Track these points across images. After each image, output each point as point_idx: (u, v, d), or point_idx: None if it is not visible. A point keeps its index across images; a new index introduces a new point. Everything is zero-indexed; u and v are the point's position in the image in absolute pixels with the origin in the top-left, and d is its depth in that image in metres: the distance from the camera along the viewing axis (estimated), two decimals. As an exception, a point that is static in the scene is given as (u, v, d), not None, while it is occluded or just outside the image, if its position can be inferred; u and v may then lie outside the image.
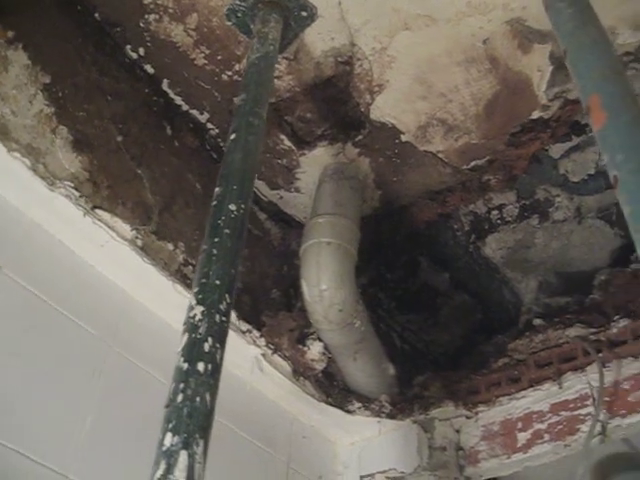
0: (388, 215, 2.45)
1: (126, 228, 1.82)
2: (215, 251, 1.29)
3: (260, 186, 2.39)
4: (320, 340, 2.16)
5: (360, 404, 2.30)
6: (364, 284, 2.68)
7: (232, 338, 1.99)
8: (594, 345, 2.16)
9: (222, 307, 1.21)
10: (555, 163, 2.55)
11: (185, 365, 1.12)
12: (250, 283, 2.22)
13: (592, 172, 2.57)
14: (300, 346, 2.15)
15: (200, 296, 1.22)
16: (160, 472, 1.01)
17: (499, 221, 2.68)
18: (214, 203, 1.37)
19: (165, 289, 1.90)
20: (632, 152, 0.95)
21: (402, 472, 2.22)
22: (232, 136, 1.52)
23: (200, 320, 1.18)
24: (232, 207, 1.35)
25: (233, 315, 2.02)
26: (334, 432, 2.36)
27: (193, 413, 1.07)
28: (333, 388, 2.31)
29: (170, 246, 1.97)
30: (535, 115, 2.08)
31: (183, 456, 1.02)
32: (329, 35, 2.01)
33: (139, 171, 1.99)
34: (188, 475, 1.01)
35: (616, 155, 0.97)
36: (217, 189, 1.40)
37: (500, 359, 2.35)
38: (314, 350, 2.16)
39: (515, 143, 2.19)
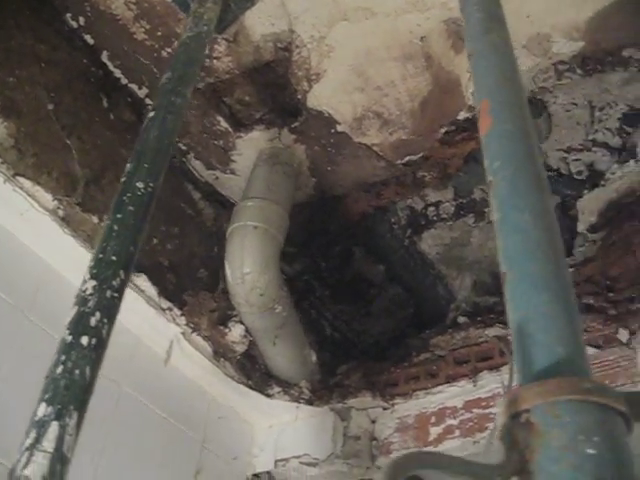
0: (323, 204, 2.47)
1: (48, 198, 1.82)
2: (116, 227, 1.30)
3: (197, 166, 2.40)
4: (242, 323, 2.18)
5: (280, 388, 2.33)
6: (298, 271, 2.71)
7: (151, 315, 2.03)
8: (511, 346, 2.21)
9: (115, 283, 1.22)
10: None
11: (69, 338, 1.14)
12: (177, 262, 2.22)
13: (529, 176, 2.60)
14: (221, 327, 2.17)
15: (94, 271, 1.24)
16: (29, 441, 1.03)
17: (435, 218, 2.72)
18: (123, 179, 1.38)
19: (86, 261, 1.90)
20: (508, 160, 0.98)
21: (316, 458, 2.26)
22: (151, 114, 1.52)
23: (91, 294, 1.19)
24: (140, 185, 1.36)
25: (153, 292, 2.04)
26: (253, 415, 2.38)
27: (70, 385, 1.09)
28: (255, 371, 2.33)
29: (95, 219, 1.97)
30: (461, 116, 2.11)
31: (54, 427, 1.04)
32: (269, 20, 2.02)
33: (68, 141, 1.98)
34: (57, 446, 1.03)
35: (494, 161, 1.00)
36: (128, 165, 1.41)
37: (422, 354, 2.39)
38: (235, 332, 2.18)
39: (448, 141, 2.22)
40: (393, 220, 2.71)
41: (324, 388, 2.39)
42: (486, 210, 2.74)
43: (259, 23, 2.03)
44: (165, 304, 2.07)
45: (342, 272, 2.79)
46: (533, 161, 0.98)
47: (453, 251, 2.87)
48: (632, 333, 2.06)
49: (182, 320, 2.10)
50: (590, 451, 0.66)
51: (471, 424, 2.15)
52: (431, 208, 2.70)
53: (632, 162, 2.43)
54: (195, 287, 2.23)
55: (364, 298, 2.91)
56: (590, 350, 2.09)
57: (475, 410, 2.17)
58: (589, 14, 1.94)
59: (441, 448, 2.15)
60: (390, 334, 2.97)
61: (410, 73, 2.05)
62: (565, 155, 2.61)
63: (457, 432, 2.15)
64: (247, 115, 2.28)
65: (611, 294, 2.25)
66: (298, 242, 2.61)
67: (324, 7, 1.97)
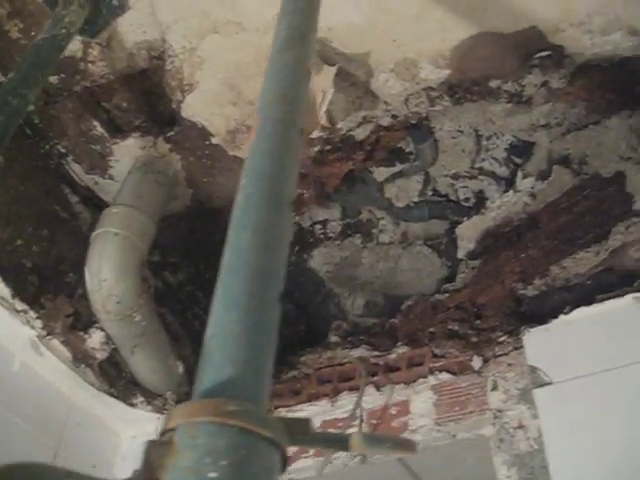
0: (203, 214, 2.46)
1: None
2: None
3: (76, 169, 2.37)
4: (102, 330, 2.16)
5: (143, 398, 2.30)
6: (181, 281, 2.69)
7: (5, 316, 2.00)
8: (373, 368, 2.22)
9: None
10: (380, 186, 2.60)
11: None
12: (42, 264, 2.20)
13: (416, 200, 2.63)
14: (81, 333, 2.15)
15: None
16: None
17: (322, 236, 2.72)
18: None
19: None
20: (252, 178, 0.98)
21: (173, 471, 2.23)
22: (-17, 114, 1.51)
23: None
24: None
25: (7, 293, 2.01)
26: (116, 423, 2.36)
27: None
28: (120, 379, 2.31)
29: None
30: (315, 135, 2.12)
31: None
32: (141, 28, 2.02)
33: None
34: None
35: (242, 178, 1.00)
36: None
37: (291, 371, 2.39)
38: (95, 339, 2.16)
39: (322, 160, 2.23)
40: (282, 236, 2.71)
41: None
42: (374, 231, 2.75)
43: (131, 30, 2.02)
44: (20, 306, 2.05)
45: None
46: (279, 181, 0.98)
47: (344, 270, 2.87)
48: (485, 361, 2.08)
49: (38, 323, 2.07)
50: (212, 475, 0.66)
51: (326, 444, 2.14)
52: (318, 226, 2.71)
53: (511, 192, 2.46)
54: (58, 291, 2.20)
55: (253, 312, 2.89)
56: (445, 376, 2.12)
57: (331, 430, 2.17)
58: (454, 43, 1.96)
59: (295, 467, 2.15)
60: (280, 350, 2.96)
61: (279, 90, 2.05)
62: (453, 182, 2.64)
63: (311, 451, 2.15)
64: (126, 121, 2.27)
65: (478, 321, 2.27)
66: (181, 252, 2.60)
67: (194, 18, 1.97)
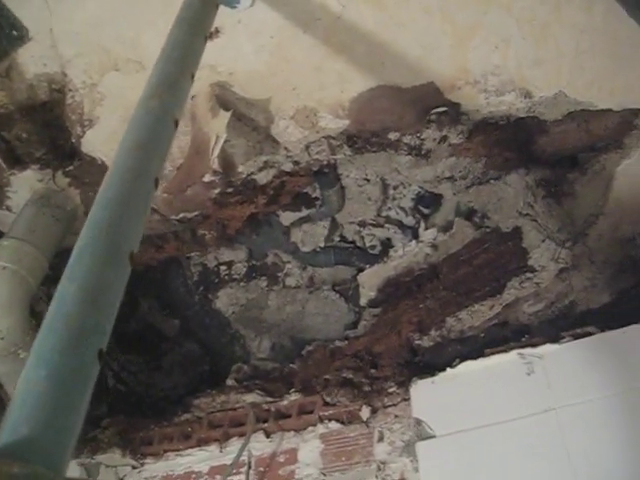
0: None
1: None
2: None
3: (-26, 199, 2.32)
4: (-13, 365, 2.09)
5: (29, 437, 2.24)
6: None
7: None
8: (264, 414, 2.20)
9: None
10: (286, 230, 2.61)
11: None
12: None
13: (322, 245, 2.64)
14: (-35, 367, 2.08)
15: None
16: None
17: (227, 277, 2.71)
18: None
19: None
20: (92, 228, 0.97)
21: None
22: None
23: None
24: None
25: None
26: None
27: None
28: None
29: None
30: (206, 179, 2.11)
31: None
32: (41, 60, 1.99)
33: None
34: None
35: (84, 227, 0.99)
36: None
37: (184, 414, 2.35)
38: (-22, 374, 2.09)
39: (223, 203, 2.22)
40: (187, 275, 2.69)
41: (78, 441, 2.31)
42: (280, 274, 2.75)
43: (32, 62, 2.00)
44: None
45: (129, 321, 2.74)
46: (119, 233, 0.97)
47: (250, 312, 2.85)
48: (374, 411, 2.08)
49: None
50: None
51: (212, 491, 2.12)
52: (223, 267, 2.69)
53: (414, 242, 2.48)
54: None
55: (155, 351, 2.86)
56: (334, 425, 2.11)
57: (218, 476, 2.14)
58: (353, 94, 1.99)
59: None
60: (182, 390, 2.92)
61: (180, 131, 2.04)
62: (359, 228, 2.66)
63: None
64: (26, 152, 2.23)
65: (373, 370, 2.27)
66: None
67: (95, 54, 1.96)
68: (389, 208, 2.62)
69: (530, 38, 1.85)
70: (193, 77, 1.34)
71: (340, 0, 1.80)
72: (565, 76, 1.91)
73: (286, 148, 2.12)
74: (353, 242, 2.71)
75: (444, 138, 2.10)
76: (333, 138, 2.09)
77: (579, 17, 1.80)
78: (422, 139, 2.10)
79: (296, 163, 2.19)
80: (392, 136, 2.10)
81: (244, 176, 2.18)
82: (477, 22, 1.82)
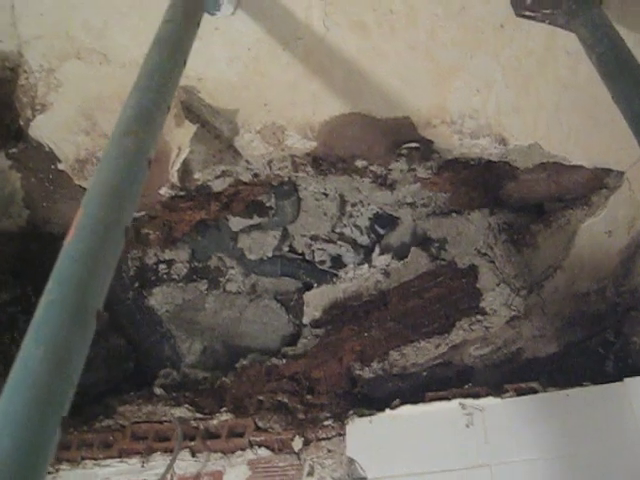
0: (38, 238, 2.45)
1: None
2: None
3: None
4: None
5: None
6: (5, 301, 2.66)
7: None
8: (192, 432, 2.27)
9: None
10: (235, 235, 2.67)
11: None
12: None
13: (270, 255, 2.71)
14: None
15: None
16: None
17: (165, 276, 2.76)
18: None
19: None
20: (60, 285, 1.02)
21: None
22: None
23: None
24: None
25: None
26: None
27: None
28: None
29: None
30: (162, 191, 2.16)
31: None
32: (-2, 36, 2.01)
33: None
34: None
35: (49, 281, 1.04)
36: None
37: (106, 419, 2.39)
38: None
39: (172, 207, 2.27)
40: (123, 268, 2.72)
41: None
42: (221, 279, 2.81)
43: (-13, 36, 2.01)
44: None
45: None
46: (88, 290, 1.02)
47: (185, 313, 2.91)
48: (307, 443, 2.16)
49: None
50: None
51: (129, 508, 2.17)
52: (162, 265, 2.74)
53: (365, 266, 2.57)
54: None
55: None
56: (264, 452, 2.19)
57: (137, 494, 2.19)
58: (325, 117, 2.05)
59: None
60: (103, 386, 2.96)
61: (138, 130, 2.08)
62: (311, 242, 2.74)
63: None
64: (-32, 128, 2.24)
65: (309, 396, 2.36)
66: (8, 271, 2.57)
67: (57, 39, 1.98)
68: (344, 225, 2.71)
69: (513, 87, 1.94)
70: (169, 109, 1.38)
71: (325, 23, 1.86)
72: (542, 128, 2.01)
73: (247, 161, 2.18)
74: (302, 255, 2.79)
75: (411, 170, 2.19)
76: (298, 157, 2.16)
77: (564, 73, 1.91)
78: (389, 170, 2.19)
79: (255, 175, 2.26)
80: (359, 164, 2.17)
81: (199, 183, 2.23)
82: (462, 64, 1.91)
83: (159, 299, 2.86)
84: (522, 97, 1.96)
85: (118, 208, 1.14)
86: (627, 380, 2.01)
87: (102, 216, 1.11)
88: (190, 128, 1.96)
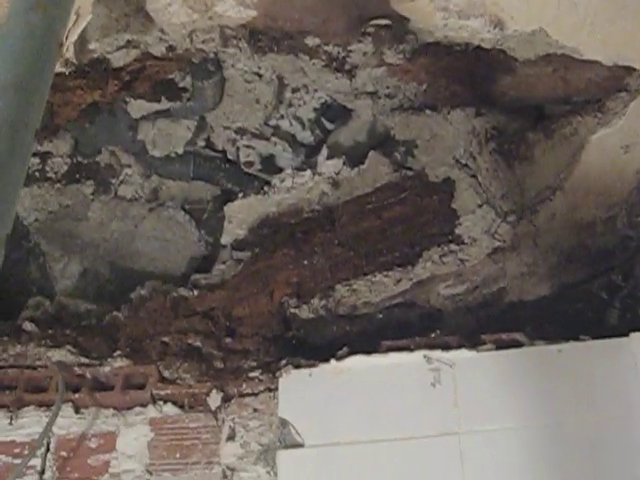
0: None
1: None
2: None
3: None
4: None
5: None
6: None
7: None
8: (76, 381, 2.38)
9: None
10: (135, 124, 2.76)
11: None
12: None
13: (181, 151, 2.81)
14: None
15: None
16: None
17: (37, 173, 2.84)
18: None
19: None
20: None
21: None
22: None
23: None
24: None
25: None
26: None
27: None
28: None
29: None
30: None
31: None
32: None
33: None
34: None
35: None
36: None
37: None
38: None
39: (57, 85, 2.35)
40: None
41: None
42: (113, 180, 2.91)
43: None
44: None
45: None
46: None
47: (61, 223, 2.98)
48: (226, 399, 2.30)
49: None
50: None
51: (-8, 474, 2.29)
52: (35, 159, 2.81)
53: (309, 173, 2.67)
54: None
55: None
56: (171, 409, 2.33)
57: (3, 457, 2.32)
58: (268, -21, 2.17)
59: None
60: None
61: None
62: (235, 137, 2.85)
63: None
64: None
65: (229, 339, 2.49)
66: None
67: None
68: (281, 116, 2.82)
69: (518, -48, 2.08)
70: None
71: None
72: (551, 10, 2.14)
73: (162, 30, 2.28)
74: (224, 152, 2.89)
75: (378, 54, 2.31)
76: (230, 29, 2.27)
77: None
78: (349, 51, 2.31)
79: (171, 49, 2.36)
80: (310, 42, 2.29)
81: (95, 56, 2.32)
82: None
83: (27, 204, 2.93)
84: (529, -33, 2.10)
85: (26, 106, 1.21)
86: (634, 335, 2.12)
87: (7, 117, 1.18)
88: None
